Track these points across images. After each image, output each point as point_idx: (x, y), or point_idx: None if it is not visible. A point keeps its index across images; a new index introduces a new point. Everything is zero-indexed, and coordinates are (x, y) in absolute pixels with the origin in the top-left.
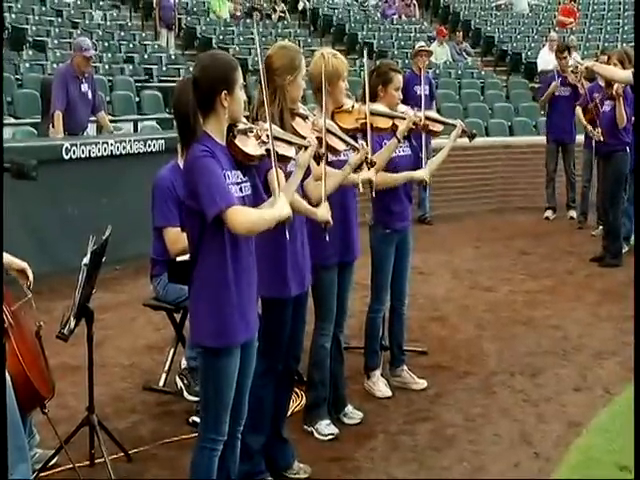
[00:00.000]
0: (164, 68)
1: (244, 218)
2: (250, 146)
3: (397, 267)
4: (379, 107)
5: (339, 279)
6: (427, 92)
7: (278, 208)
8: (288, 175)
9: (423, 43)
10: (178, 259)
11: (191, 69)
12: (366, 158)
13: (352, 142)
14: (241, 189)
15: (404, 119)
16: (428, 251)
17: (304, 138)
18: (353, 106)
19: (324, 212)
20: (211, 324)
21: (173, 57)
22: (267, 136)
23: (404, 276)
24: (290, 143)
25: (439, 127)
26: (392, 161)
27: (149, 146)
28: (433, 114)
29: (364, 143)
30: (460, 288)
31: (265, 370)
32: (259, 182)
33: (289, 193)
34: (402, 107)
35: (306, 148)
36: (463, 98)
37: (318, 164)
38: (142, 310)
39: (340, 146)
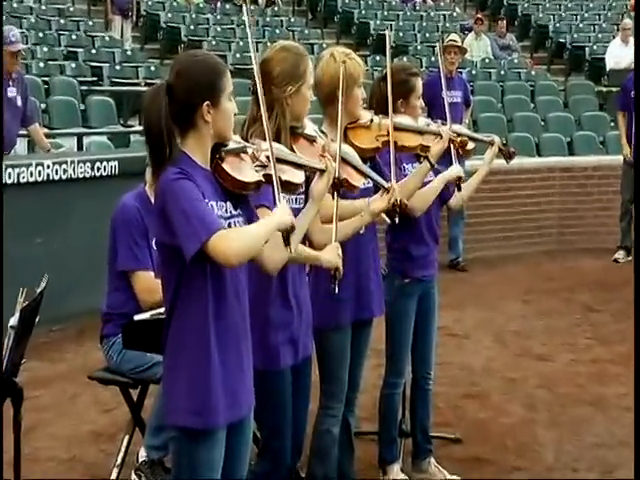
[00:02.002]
0: (117, 67)
1: (232, 240)
2: (243, 171)
3: (420, 328)
4: (405, 120)
5: (352, 343)
6: (459, 99)
7: (275, 214)
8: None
9: (455, 36)
10: (136, 318)
11: (152, 68)
12: (395, 202)
13: (377, 177)
14: (230, 225)
15: (439, 136)
16: (462, 306)
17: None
18: (372, 120)
19: (332, 255)
20: (189, 399)
21: (129, 53)
22: (267, 157)
23: (429, 340)
24: (299, 166)
25: (469, 144)
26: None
27: (98, 169)
28: (460, 128)
29: (393, 182)
30: (505, 356)
31: (267, 473)
32: (256, 217)
33: (299, 234)
34: (422, 120)
35: (321, 172)
36: (507, 106)
37: (333, 197)
38: (87, 385)
39: (358, 181)
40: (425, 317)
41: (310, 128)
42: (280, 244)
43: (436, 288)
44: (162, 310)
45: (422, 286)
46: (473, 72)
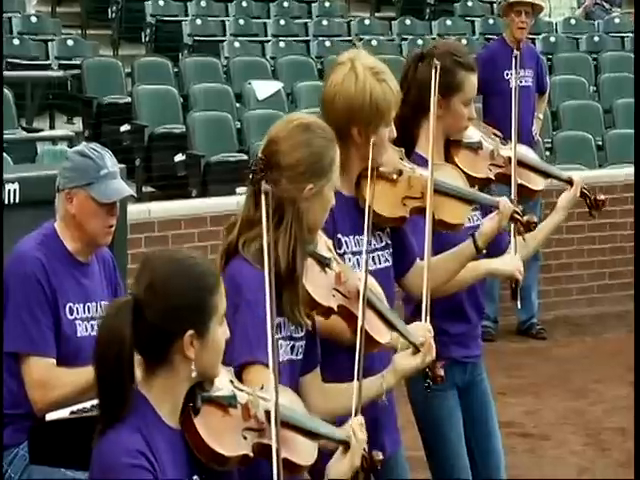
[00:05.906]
0: (16, 41)
1: None
2: (224, 434)
3: (475, 432)
4: (453, 176)
5: None
6: (530, 82)
7: None
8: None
9: None
10: (49, 417)
11: (69, 43)
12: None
13: (409, 335)
14: None
15: (496, 208)
16: (539, 392)
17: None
18: (401, 172)
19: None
20: None
21: (34, 20)
22: (267, 417)
23: (492, 448)
24: (313, 435)
25: (537, 182)
26: (450, 240)
27: None
28: (526, 154)
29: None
30: (604, 465)
31: None
32: None
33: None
34: (472, 133)
35: (345, 447)
36: (605, 91)
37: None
38: None
39: (382, 336)
40: (479, 414)
41: (323, 244)
42: None
43: (485, 375)
44: (89, 405)
45: (464, 372)
46: (552, 39)
